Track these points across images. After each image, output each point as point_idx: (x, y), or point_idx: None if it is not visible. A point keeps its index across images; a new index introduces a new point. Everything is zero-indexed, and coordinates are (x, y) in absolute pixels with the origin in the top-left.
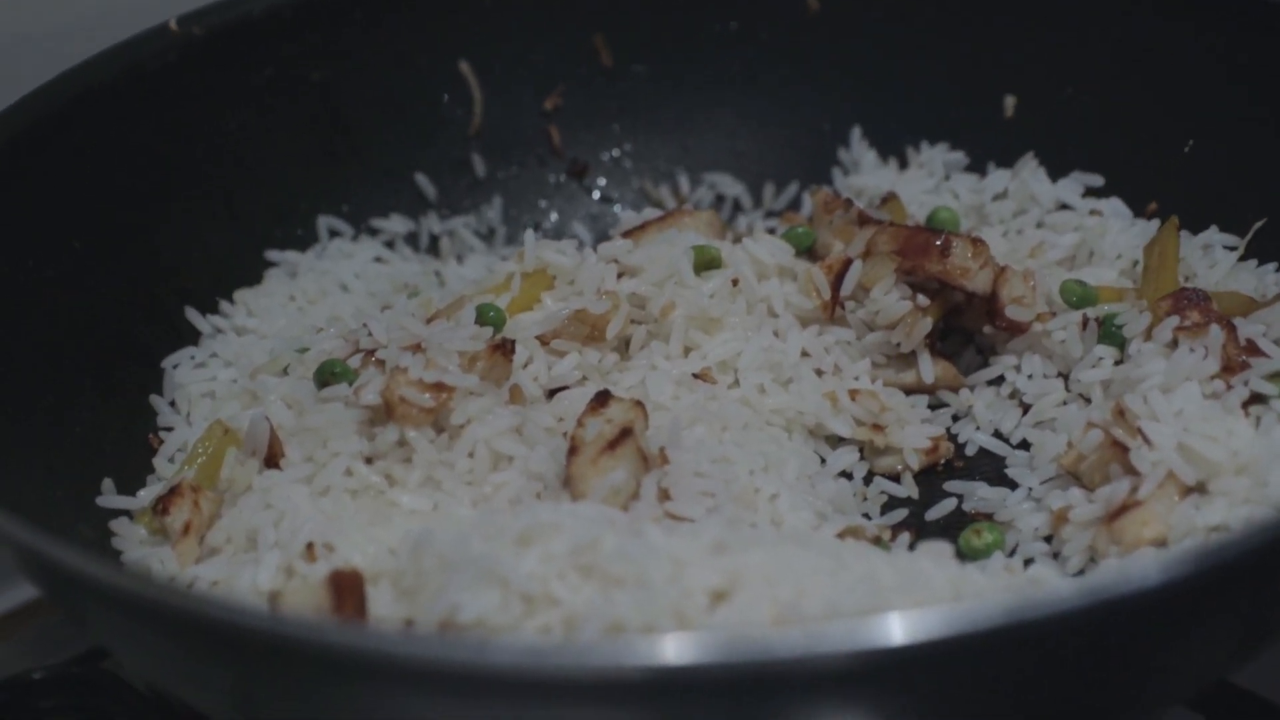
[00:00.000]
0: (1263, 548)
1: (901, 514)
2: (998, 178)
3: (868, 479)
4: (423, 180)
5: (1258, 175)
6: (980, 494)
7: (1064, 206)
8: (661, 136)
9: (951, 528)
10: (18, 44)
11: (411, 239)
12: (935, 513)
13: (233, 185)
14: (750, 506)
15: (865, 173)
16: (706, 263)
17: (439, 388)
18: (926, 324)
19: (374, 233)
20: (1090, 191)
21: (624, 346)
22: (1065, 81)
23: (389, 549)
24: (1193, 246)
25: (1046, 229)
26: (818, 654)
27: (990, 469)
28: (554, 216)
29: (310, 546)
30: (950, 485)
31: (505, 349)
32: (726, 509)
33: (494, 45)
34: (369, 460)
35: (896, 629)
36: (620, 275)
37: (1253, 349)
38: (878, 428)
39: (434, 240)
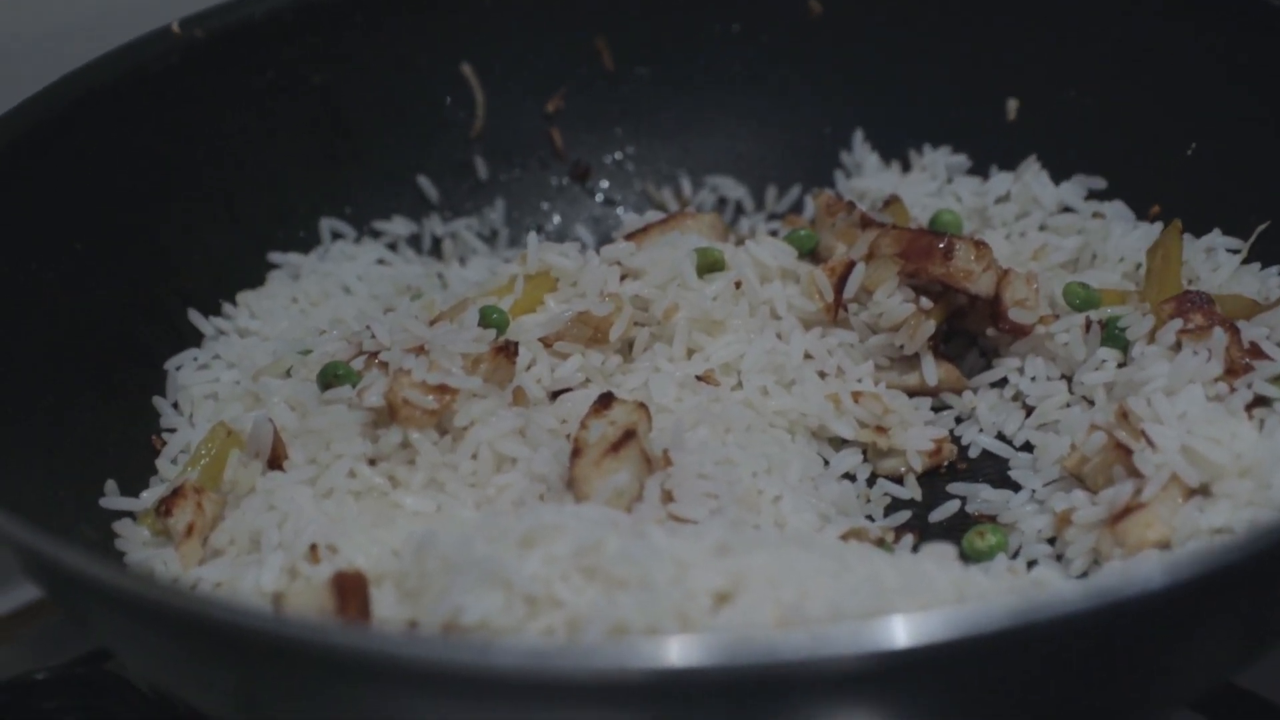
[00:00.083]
0: (1266, 550)
1: (904, 516)
2: (1000, 180)
3: (871, 481)
4: (425, 182)
5: (1260, 178)
6: (983, 496)
7: (1067, 209)
8: (664, 139)
9: (955, 530)
10: (20, 45)
11: (414, 241)
12: (938, 515)
13: (235, 187)
14: (753, 508)
15: (867, 175)
16: (709, 265)
17: (442, 390)
18: (929, 326)
19: (376, 235)
20: (1093, 194)
21: (627, 349)
22: (1068, 84)
23: (392, 551)
24: (1196, 249)
25: (1049, 232)
26: (822, 656)
27: (993, 471)
28: (556, 219)
29: (314, 548)
30: (953, 487)
31: (508, 351)
32: (730, 511)
33: (496, 47)
34: (372, 462)
35: (901, 631)
36: (623, 278)
37: (1256, 352)
38: (881, 430)
39: (436, 242)
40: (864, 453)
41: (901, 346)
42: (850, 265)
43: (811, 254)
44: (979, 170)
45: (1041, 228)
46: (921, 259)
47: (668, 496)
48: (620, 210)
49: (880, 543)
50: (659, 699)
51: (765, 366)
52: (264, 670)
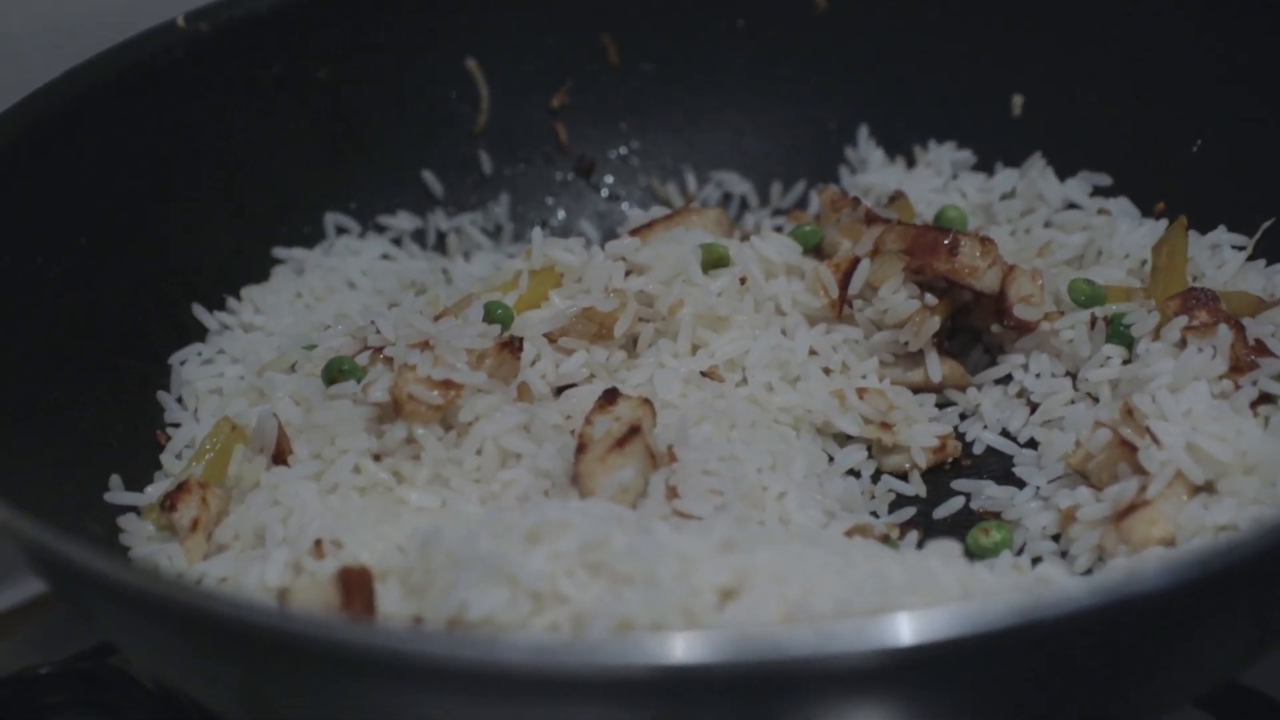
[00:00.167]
0: (1271, 548)
1: (909, 512)
2: (1005, 177)
3: (875, 477)
4: (430, 177)
5: (1266, 175)
6: (988, 492)
7: (1072, 206)
8: (669, 134)
9: (959, 526)
10: (24, 41)
11: (419, 236)
12: (943, 511)
13: (239, 182)
14: (758, 504)
15: (873, 171)
16: (714, 261)
17: (447, 385)
18: (934, 323)
19: (381, 230)
20: (1098, 191)
21: (632, 344)
22: (1073, 81)
23: (397, 546)
24: (1201, 246)
25: (1054, 228)
26: (827, 653)
27: (998, 467)
28: (561, 214)
29: (318, 543)
30: (958, 484)
31: (513, 346)
32: (734, 507)
33: (501, 43)
34: (377, 457)
35: (906, 628)
36: (628, 273)
37: (1261, 349)
38: (885, 426)
39: (441, 238)
40: (869, 449)
41: (906, 343)
42: (855, 261)
43: (816, 250)
44: (984, 166)
45: (1046, 224)
46: (926, 255)
47: (672, 492)
48: (625, 206)
49: (885, 539)
50: (664, 695)
51: (770, 363)
52: (268, 665)
